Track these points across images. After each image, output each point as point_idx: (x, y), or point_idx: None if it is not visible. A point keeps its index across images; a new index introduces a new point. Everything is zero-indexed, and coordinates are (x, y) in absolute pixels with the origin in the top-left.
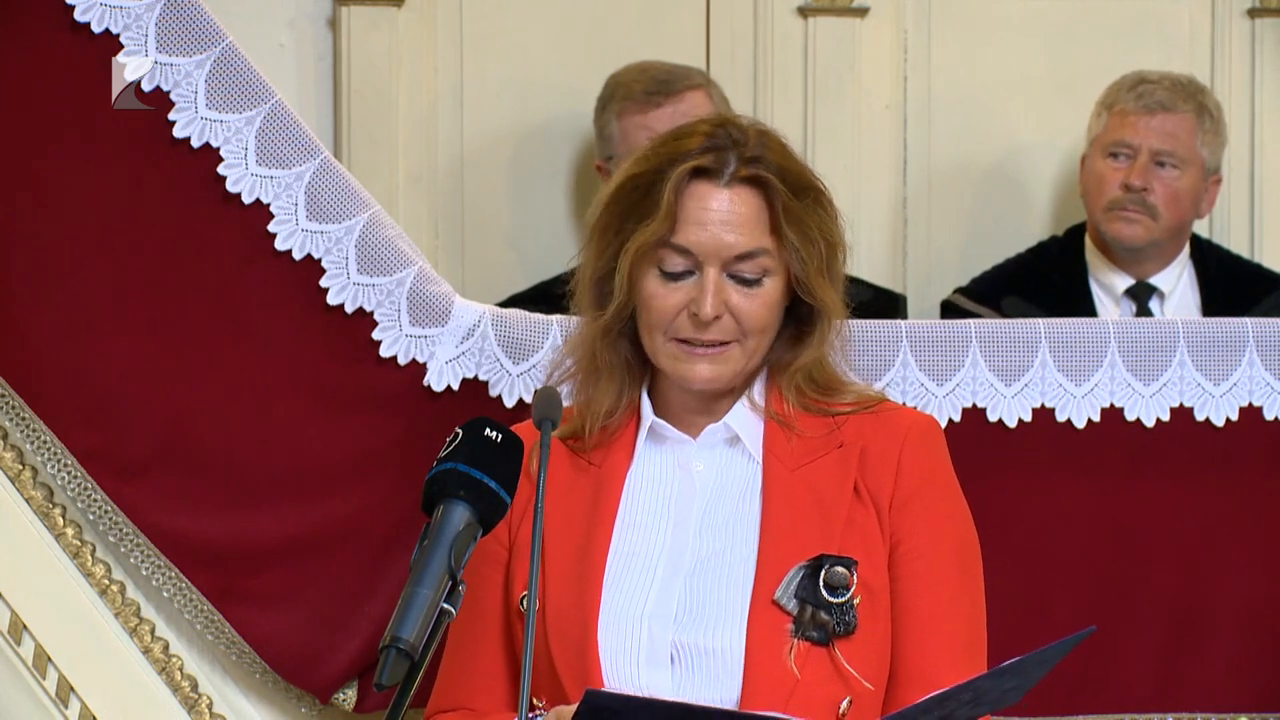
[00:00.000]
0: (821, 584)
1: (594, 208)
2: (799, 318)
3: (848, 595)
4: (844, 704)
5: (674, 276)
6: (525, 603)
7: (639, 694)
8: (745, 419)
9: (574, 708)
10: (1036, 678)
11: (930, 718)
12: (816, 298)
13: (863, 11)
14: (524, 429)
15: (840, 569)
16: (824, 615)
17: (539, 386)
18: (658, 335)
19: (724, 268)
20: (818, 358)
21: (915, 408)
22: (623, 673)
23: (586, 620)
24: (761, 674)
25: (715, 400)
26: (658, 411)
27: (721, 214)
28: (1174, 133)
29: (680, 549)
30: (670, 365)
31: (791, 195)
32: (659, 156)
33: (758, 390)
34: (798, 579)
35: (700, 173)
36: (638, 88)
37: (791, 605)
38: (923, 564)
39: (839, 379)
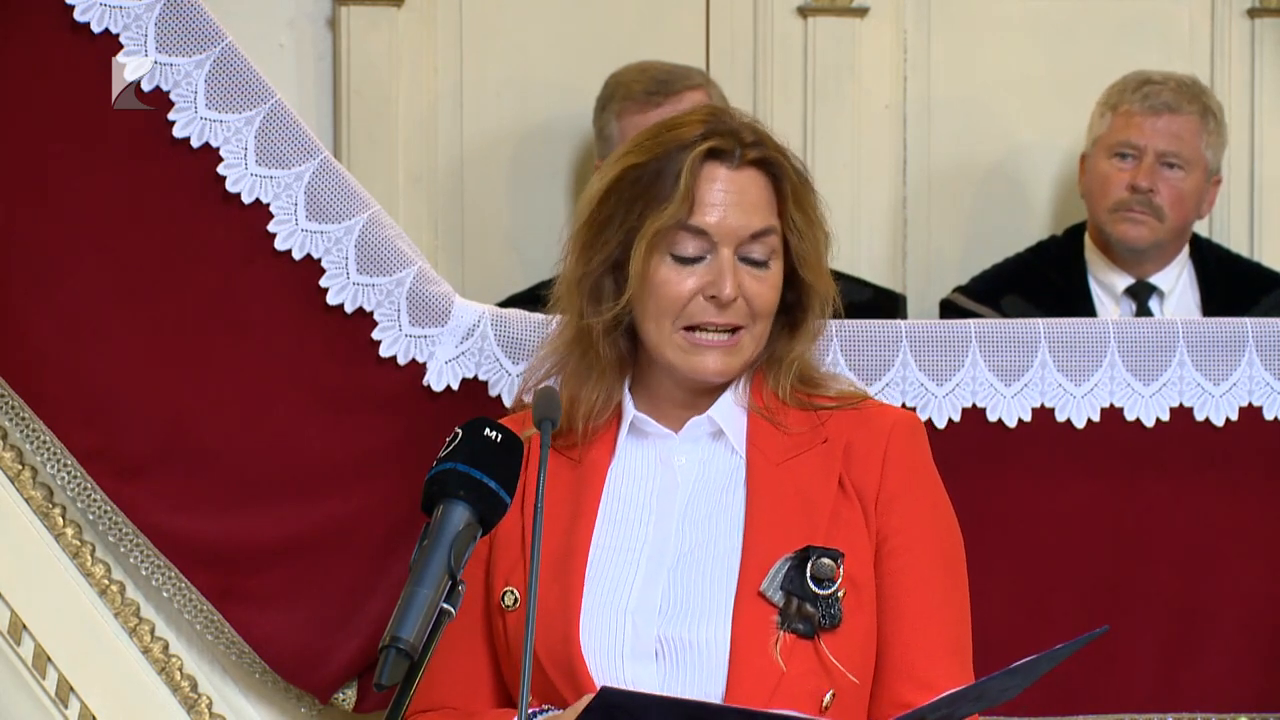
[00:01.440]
0: (808, 576)
1: (582, 206)
2: (788, 307)
3: (834, 588)
4: (827, 697)
5: (686, 261)
6: (508, 599)
7: (653, 692)
8: (729, 412)
9: (575, 709)
10: (1039, 676)
11: (938, 715)
12: (816, 283)
13: (862, 11)
14: (515, 421)
15: (827, 561)
16: (810, 608)
17: (536, 387)
18: (666, 324)
19: (737, 249)
20: (808, 348)
21: (913, 408)
22: (608, 667)
23: (569, 616)
24: (747, 667)
25: (702, 394)
26: (639, 406)
27: (735, 195)
28: (1179, 134)
29: (663, 543)
30: (679, 358)
31: (797, 178)
32: (659, 145)
33: (742, 384)
34: (784, 571)
35: (713, 155)
36: (637, 88)
37: (777, 597)
38: (909, 560)
39: (821, 372)
